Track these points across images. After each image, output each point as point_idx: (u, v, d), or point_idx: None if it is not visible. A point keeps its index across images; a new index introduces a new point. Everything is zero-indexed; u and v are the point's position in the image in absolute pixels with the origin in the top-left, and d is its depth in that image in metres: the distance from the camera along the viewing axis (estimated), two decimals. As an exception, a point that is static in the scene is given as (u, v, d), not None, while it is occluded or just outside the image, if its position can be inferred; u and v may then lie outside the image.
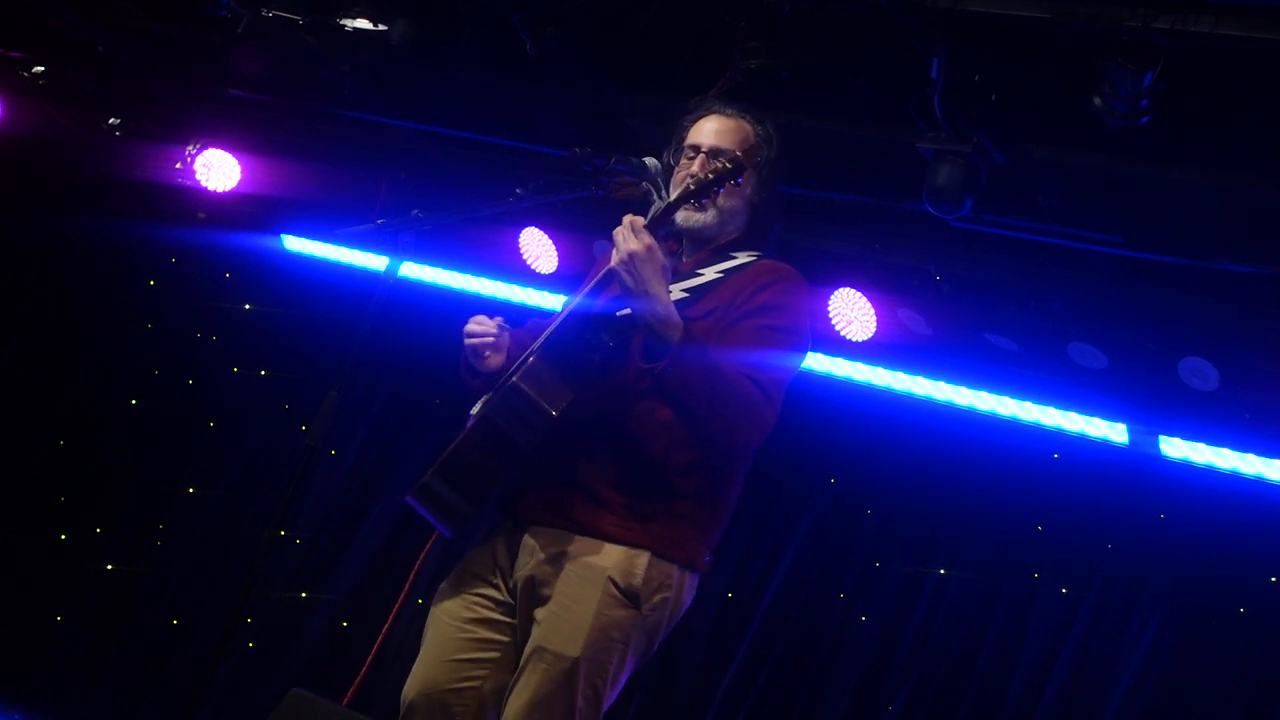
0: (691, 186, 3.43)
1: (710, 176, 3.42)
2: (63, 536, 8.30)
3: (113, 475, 8.34)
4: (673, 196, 3.47)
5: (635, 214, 3.56)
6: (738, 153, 3.60)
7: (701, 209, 3.63)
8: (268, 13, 5.74)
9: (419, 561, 4.06)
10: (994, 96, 4.69)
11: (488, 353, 3.70)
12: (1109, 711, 6.02)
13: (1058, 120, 4.79)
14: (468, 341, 3.71)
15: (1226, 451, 5.75)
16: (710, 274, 3.63)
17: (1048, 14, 4.22)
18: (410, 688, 3.60)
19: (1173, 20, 4.00)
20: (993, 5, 4.33)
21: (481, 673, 3.54)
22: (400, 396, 7.87)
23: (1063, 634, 6.26)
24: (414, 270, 7.24)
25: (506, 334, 3.74)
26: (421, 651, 3.64)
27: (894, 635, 6.56)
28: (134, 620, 8.00)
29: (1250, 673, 5.91)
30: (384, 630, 4.18)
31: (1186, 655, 6.03)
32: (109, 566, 8.18)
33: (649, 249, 3.34)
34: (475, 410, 3.71)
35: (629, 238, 3.35)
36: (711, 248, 3.70)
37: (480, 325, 3.69)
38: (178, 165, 7.30)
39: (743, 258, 3.69)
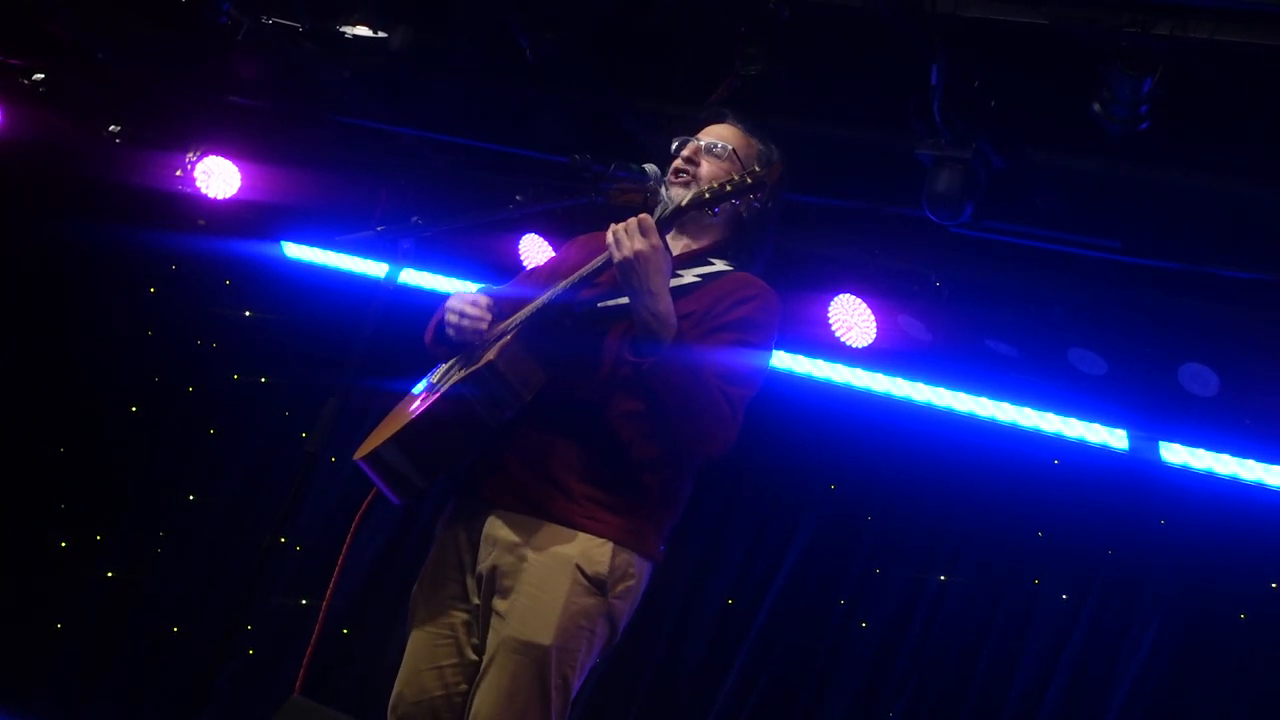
0: (706, 195, 3.40)
1: (728, 188, 3.38)
2: (63, 544, 8.30)
3: (113, 482, 8.34)
4: (684, 201, 3.45)
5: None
6: (755, 166, 3.60)
7: (685, 187, 3.63)
8: (267, 19, 5.74)
9: (355, 522, 4.07)
10: (993, 102, 4.70)
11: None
12: (1108, 717, 6.02)
13: (1057, 126, 4.80)
14: (457, 321, 3.61)
15: (1226, 457, 5.75)
16: (689, 276, 3.62)
17: (1046, 19, 4.22)
18: (398, 696, 3.59)
19: (1172, 26, 4.00)
20: (992, 11, 4.33)
21: (467, 678, 3.54)
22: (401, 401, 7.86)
23: (1062, 640, 6.25)
24: (414, 277, 7.25)
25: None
26: (405, 657, 3.63)
27: (894, 641, 6.56)
28: (134, 627, 7.99)
29: (1250, 679, 5.91)
30: (326, 600, 4.19)
31: (1186, 661, 6.03)
32: (109, 573, 8.18)
33: (655, 249, 3.33)
34: (436, 379, 3.69)
35: (636, 236, 3.33)
36: (691, 250, 3.68)
37: (475, 309, 3.60)
38: (178, 172, 7.29)
39: (720, 265, 3.69)
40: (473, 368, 3.47)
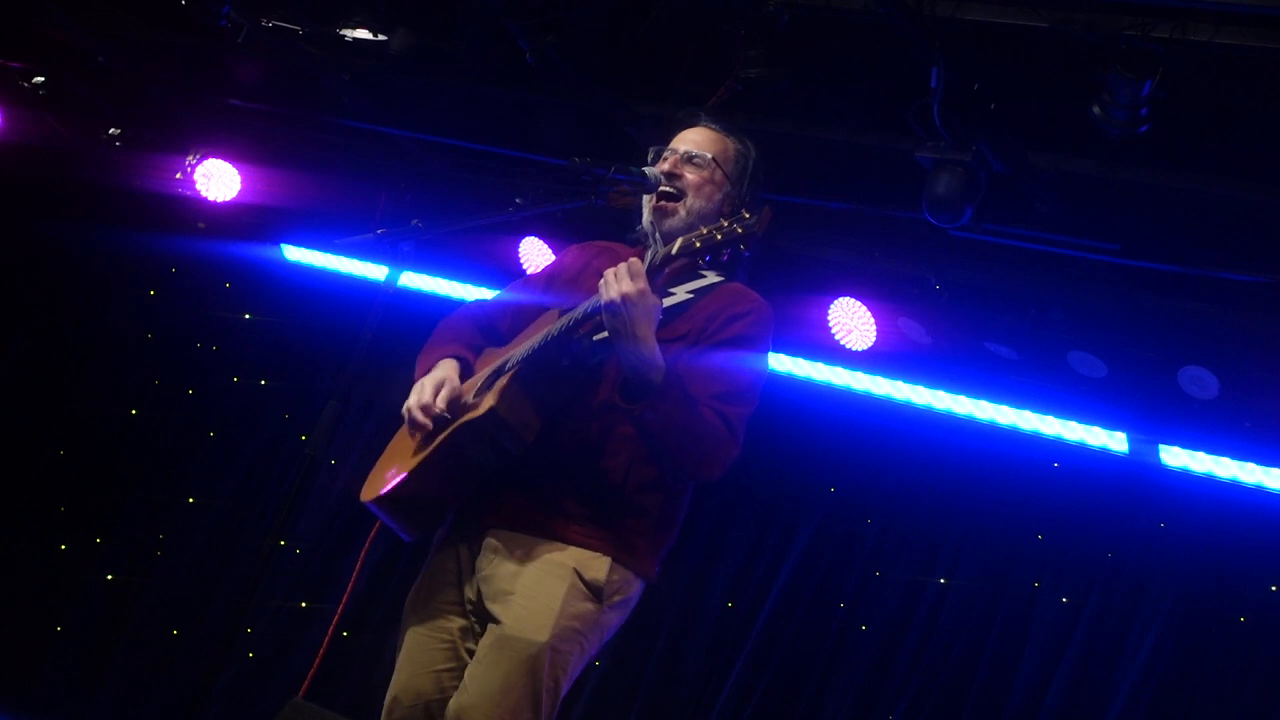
0: (696, 244, 3.37)
1: (719, 236, 3.34)
2: (63, 547, 8.29)
3: (113, 485, 8.33)
4: (675, 249, 3.42)
5: (633, 224, 3.57)
6: (735, 168, 3.61)
7: (672, 214, 3.65)
8: (267, 22, 5.73)
9: (364, 550, 4.09)
10: (993, 105, 4.69)
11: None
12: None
13: (1057, 129, 4.80)
14: (407, 414, 3.61)
15: (1226, 460, 5.75)
16: (681, 294, 3.63)
17: (1046, 22, 4.22)
18: (393, 701, 3.60)
19: (1172, 29, 4.00)
20: (991, 14, 4.33)
21: (461, 682, 3.54)
22: (400, 407, 7.85)
23: (1063, 643, 6.25)
24: (414, 280, 7.25)
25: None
26: (400, 662, 3.64)
27: (894, 644, 6.56)
28: (134, 630, 7.99)
29: (1251, 681, 5.90)
30: (337, 614, 4.22)
31: (1187, 664, 6.03)
32: (109, 577, 8.17)
33: (643, 294, 3.33)
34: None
35: (625, 279, 3.33)
36: (679, 264, 3.64)
37: (424, 416, 3.56)
38: (178, 175, 7.30)
39: (711, 277, 3.69)
40: (475, 414, 3.49)
